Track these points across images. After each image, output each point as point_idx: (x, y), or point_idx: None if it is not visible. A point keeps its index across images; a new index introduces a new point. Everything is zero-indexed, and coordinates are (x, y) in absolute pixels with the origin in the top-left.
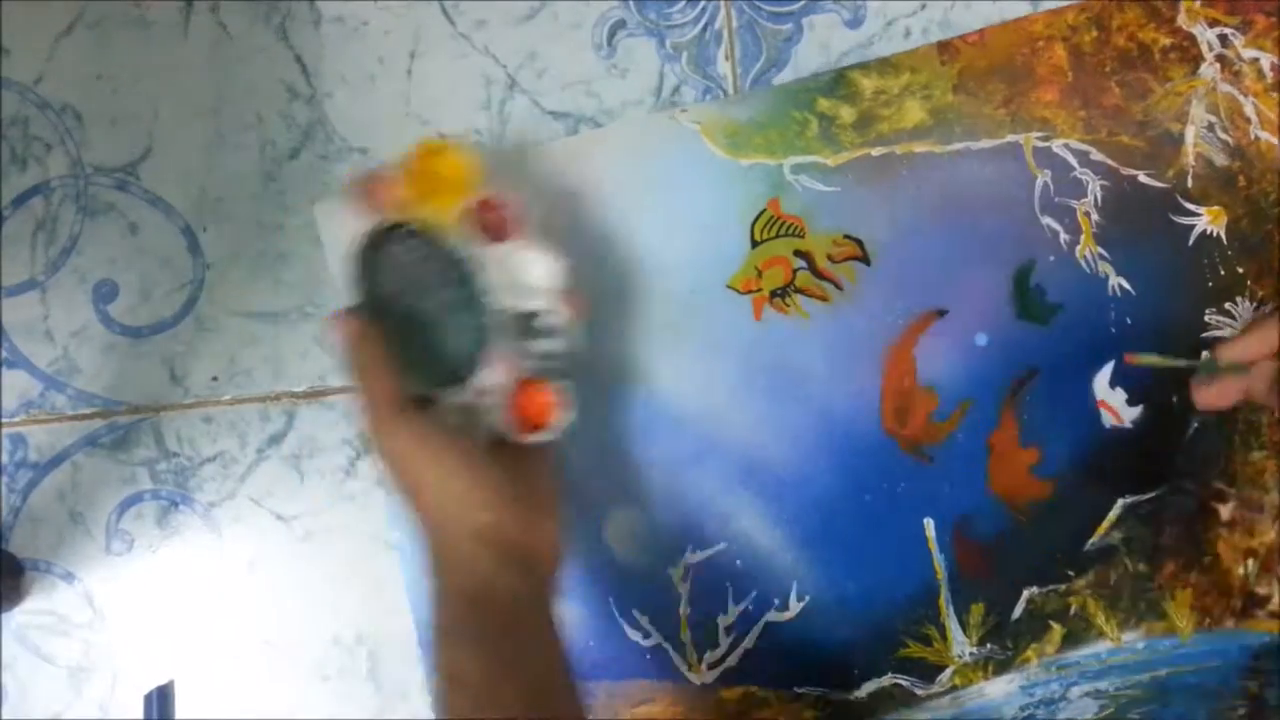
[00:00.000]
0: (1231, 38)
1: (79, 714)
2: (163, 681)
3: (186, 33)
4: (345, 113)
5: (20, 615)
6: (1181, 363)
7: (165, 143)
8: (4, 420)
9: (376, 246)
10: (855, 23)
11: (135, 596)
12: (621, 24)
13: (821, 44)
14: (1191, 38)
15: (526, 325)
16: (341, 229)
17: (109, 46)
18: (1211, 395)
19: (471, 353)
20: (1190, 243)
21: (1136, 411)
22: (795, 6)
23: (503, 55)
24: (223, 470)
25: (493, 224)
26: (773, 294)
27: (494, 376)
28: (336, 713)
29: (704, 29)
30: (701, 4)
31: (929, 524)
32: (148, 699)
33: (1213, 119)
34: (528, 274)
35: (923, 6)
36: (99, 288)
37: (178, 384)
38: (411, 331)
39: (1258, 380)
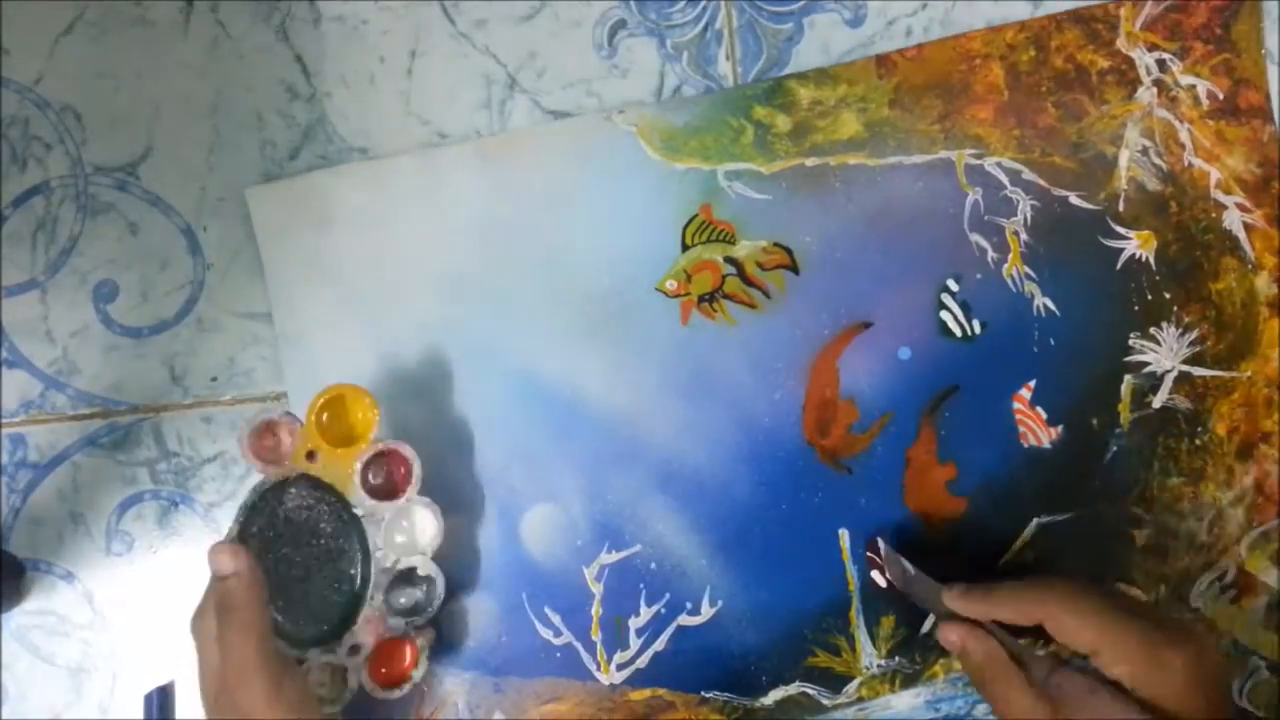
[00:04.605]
0: (1170, 63)
1: (79, 714)
2: (163, 681)
3: (186, 33)
4: (345, 113)
5: (20, 615)
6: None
7: (165, 143)
8: (4, 420)
9: (273, 495)
10: (856, 22)
11: (135, 596)
12: (622, 23)
13: (822, 43)
14: (1130, 61)
15: (400, 581)
16: (273, 214)
17: (109, 46)
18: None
19: (347, 610)
20: (1118, 266)
21: (1056, 432)
22: (796, 6)
23: (503, 55)
24: (223, 470)
25: (386, 479)
26: (701, 299)
27: (365, 635)
28: None
29: (705, 29)
30: (702, 3)
31: (844, 535)
32: (148, 699)
33: (1147, 143)
34: (414, 532)
35: (924, 6)
36: (99, 288)
37: (178, 384)
38: (291, 584)
39: (969, 645)
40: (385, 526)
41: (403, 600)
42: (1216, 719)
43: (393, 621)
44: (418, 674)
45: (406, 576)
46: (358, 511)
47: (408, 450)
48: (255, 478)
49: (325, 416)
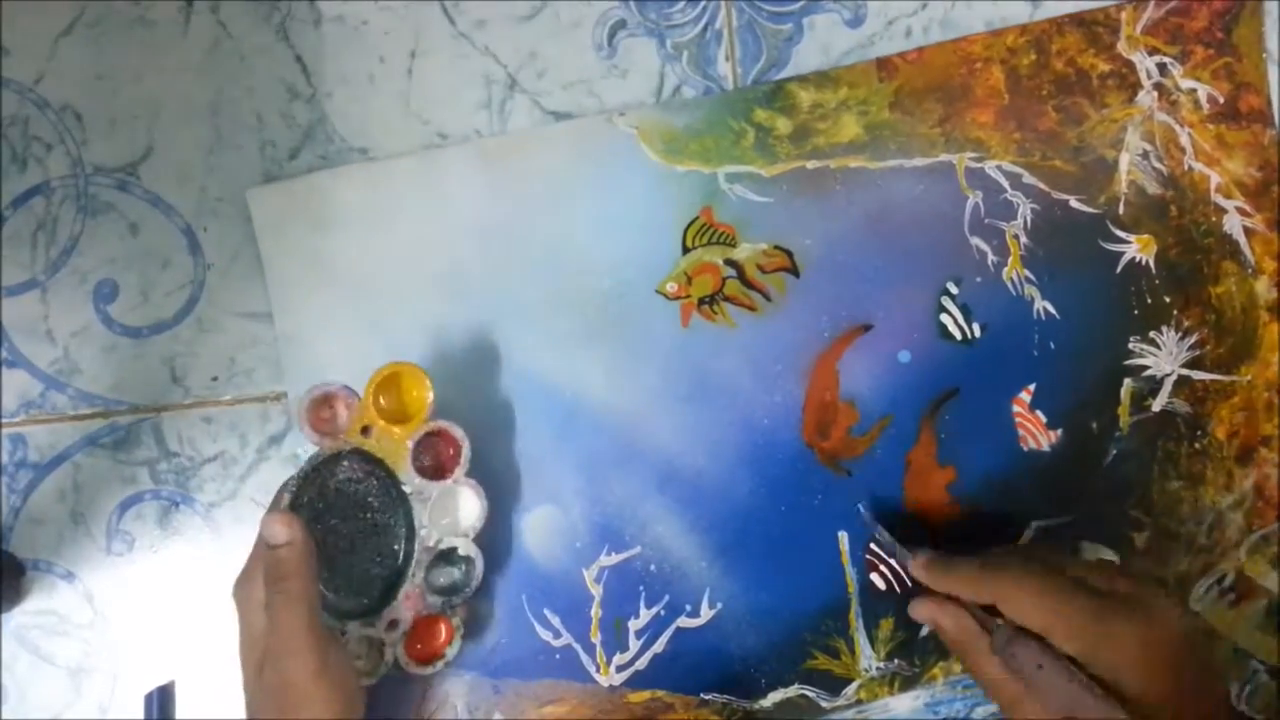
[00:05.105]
0: (1170, 67)
1: (79, 714)
2: (163, 681)
3: (186, 33)
4: (345, 113)
5: (20, 615)
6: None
7: (165, 143)
8: (4, 420)
9: (326, 467)
10: (856, 22)
11: (135, 596)
12: (622, 24)
13: (822, 44)
14: (1130, 65)
15: (441, 560)
16: (274, 214)
17: (109, 46)
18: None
19: (390, 585)
20: (1118, 270)
21: (1055, 436)
22: (796, 6)
23: (503, 55)
24: (223, 470)
25: (436, 459)
26: (701, 301)
27: (404, 611)
28: None
29: (704, 29)
30: (702, 4)
31: (843, 537)
32: (148, 699)
33: (1147, 147)
34: (458, 513)
35: (923, 6)
36: (99, 288)
37: (178, 384)
38: (337, 556)
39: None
40: (431, 505)
41: (442, 579)
42: (1177, 691)
43: (430, 599)
44: (452, 652)
45: (447, 556)
46: (406, 489)
47: (458, 431)
48: (256, 477)
49: (381, 396)
